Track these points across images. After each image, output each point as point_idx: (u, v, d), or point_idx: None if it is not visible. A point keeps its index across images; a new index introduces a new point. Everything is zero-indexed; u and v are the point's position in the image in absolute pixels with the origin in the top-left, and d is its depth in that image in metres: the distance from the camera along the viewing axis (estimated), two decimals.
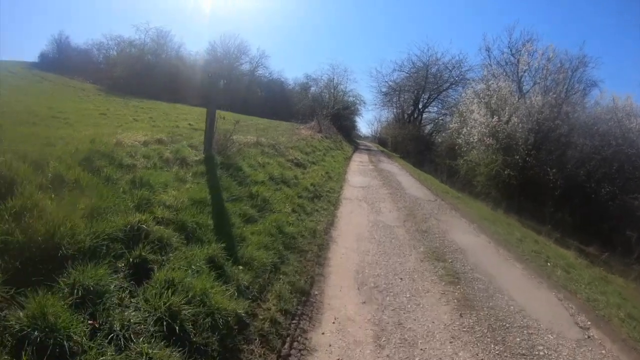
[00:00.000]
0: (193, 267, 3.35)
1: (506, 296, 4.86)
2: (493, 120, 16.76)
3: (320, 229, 6.37)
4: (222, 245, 3.93)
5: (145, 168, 5.15)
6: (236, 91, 57.96)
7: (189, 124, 17.66)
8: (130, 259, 3.08)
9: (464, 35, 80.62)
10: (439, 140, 42.76)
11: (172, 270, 3.15)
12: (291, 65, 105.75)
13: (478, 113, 17.71)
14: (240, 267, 3.88)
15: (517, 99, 17.59)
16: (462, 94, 21.43)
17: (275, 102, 56.50)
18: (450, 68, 44.85)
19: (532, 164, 16.81)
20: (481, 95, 18.20)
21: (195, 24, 77.29)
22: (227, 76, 61.34)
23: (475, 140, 18.29)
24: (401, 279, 4.98)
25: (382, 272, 5.15)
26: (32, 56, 52.03)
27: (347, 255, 5.65)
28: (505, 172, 15.91)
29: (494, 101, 17.86)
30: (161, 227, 3.73)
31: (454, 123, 21.24)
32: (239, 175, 6.59)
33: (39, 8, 75.55)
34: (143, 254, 3.17)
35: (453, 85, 45.17)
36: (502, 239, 7.91)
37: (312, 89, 55.10)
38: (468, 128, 18.78)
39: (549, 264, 6.70)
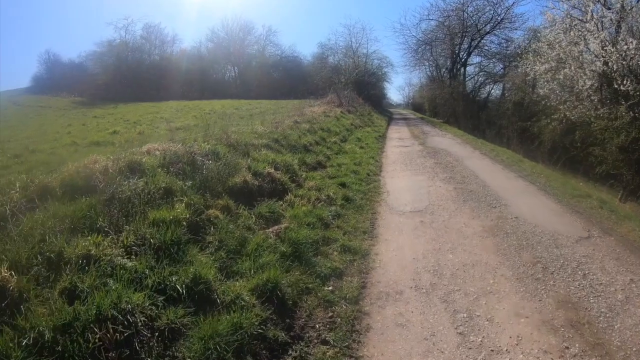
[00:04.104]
0: None
1: None
2: (631, 45, 9.31)
3: None
4: None
5: None
6: (247, 76, 52.52)
7: (114, 131, 12.55)
8: None
9: None
10: (493, 95, 34.70)
11: None
12: (304, 37, 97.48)
13: (594, 41, 10.11)
14: None
15: None
16: (550, 12, 13.30)
17: (291, 80, 50.49)
18: (493, 2, 36.02)
19: None
20: (590, 7, 10.61)
21: (191, 14, 71.05)
22: (236, 62, 55.57)
23: (587, 86, 10.96)
24: None
25: None
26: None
27: None
28: None
29: (613, 15, 10.31)
30: None
31: (541, 64, 13.45)
32: None
33: (31, 32, 72.38)
34: None
35: (499, 25, 36.43)
36: None
37: (330, 59, 47.63)
38: (572, 69, 11.35)
39: None
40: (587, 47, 10.53)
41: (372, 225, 5.43)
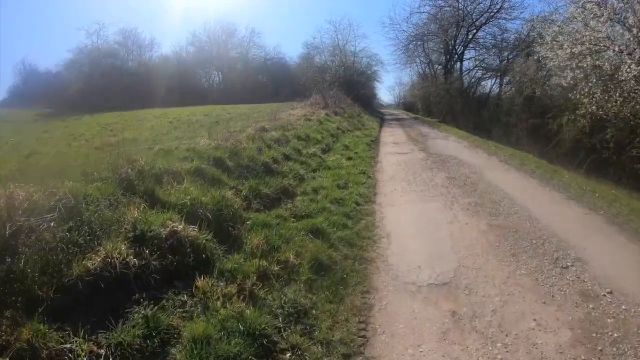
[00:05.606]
0: None
1: None
2: None
3: None
4: None
5: None
6: (231, 80, 50.07)
7: (29, 153, 10.04)
8: None
9: None
10: (494, 91, 32.21)
11: None
12: (292, 38, 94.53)
13: None
14: None
15: None
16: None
17: (277, 83, 48.14)
18: None
19: None
20: None
21: (171, 19, 68.08)
22: (219, 66, 52.91)
23: (635, 73, 8.48)
24: None
25: None
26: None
27: None
28: None
29: None
30: None
31: (569, 47, 10.63)
32: None
33: (13, 41, 68.95)
34: None
35: (495, 16, 33.95)
36: None
37: (317, 58, 45.02)
38: (615, 51, 8.79)
39: None
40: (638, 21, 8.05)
41: (365, 331, 2.86)
